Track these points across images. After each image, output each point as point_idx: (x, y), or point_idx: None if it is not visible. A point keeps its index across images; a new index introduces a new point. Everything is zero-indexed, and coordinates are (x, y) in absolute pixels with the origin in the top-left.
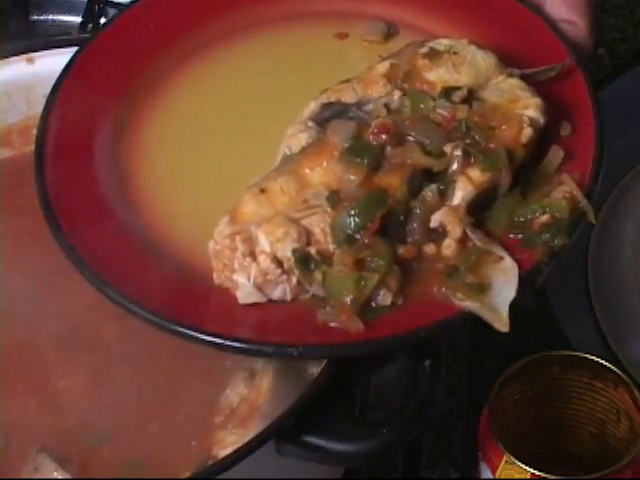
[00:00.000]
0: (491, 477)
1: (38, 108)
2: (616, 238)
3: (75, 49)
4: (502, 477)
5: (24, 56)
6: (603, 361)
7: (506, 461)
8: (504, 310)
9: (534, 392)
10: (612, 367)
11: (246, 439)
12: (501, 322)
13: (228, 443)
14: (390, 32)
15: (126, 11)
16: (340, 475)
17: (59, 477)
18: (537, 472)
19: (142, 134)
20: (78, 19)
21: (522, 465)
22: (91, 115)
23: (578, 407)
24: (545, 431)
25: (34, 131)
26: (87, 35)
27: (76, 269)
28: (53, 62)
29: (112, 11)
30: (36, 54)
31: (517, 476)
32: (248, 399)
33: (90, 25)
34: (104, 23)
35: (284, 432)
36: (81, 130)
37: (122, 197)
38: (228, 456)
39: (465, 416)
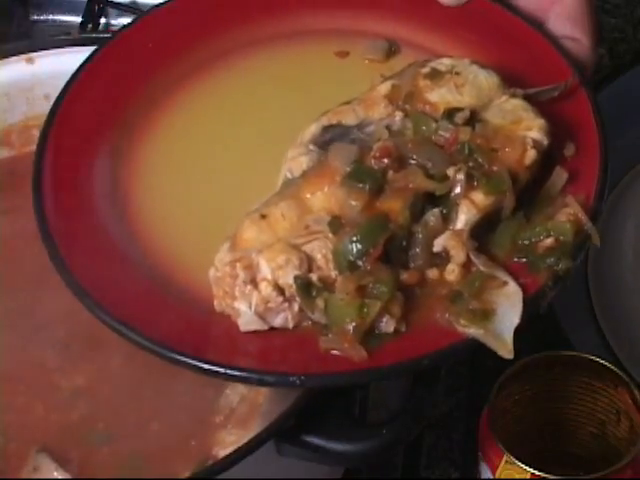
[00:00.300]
0: (491, 477)
1: (38, 108)
2: (616, 238)
3: (74, 51)
4: (502, 477)
5: (24, 56)
6: (603, 361)
7: (506, 461)
8: (508, 337)
9: (534, 392)
10: (612, 367)
11: (246, 439)
12: (506, 349)
13: (228, 443)
14: (391, 50)
15: (125, 30)
16: (340, 475)
17: (59, 477)
18: (537, 472)
19: (141, 156)
20: (78, 19)
21: (522, 465)
22: (89, 138)
23: (578, 407)
24: (545, 431)
25: (34, 131)
26: (87, 36)
27: (75, 296)
28: (53, 62)
29: (112, 11)
30: (36, 54)
31: (517, 476)
32: (248, 399)
33: (90, 25)
34: (101, 43)
35: (284, 432)
36: (78, 156)
37: (121, 223)
38: (228, 456)
39: (465, 416)
